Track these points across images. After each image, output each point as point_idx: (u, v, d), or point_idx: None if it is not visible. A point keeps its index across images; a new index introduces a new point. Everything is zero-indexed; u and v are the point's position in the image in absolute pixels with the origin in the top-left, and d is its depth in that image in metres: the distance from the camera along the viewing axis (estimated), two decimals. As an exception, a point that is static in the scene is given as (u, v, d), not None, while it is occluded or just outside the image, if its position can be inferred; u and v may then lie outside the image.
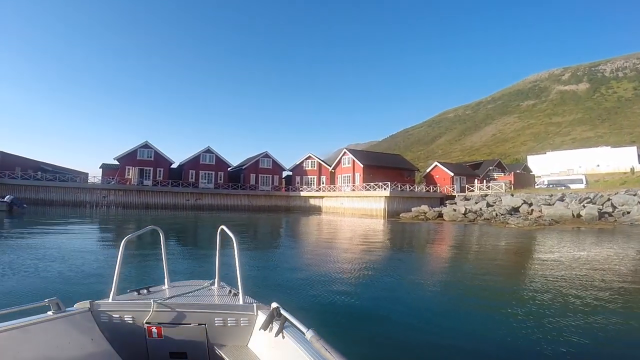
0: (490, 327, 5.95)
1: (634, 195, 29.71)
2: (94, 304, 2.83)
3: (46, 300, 2.57)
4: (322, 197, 49.54)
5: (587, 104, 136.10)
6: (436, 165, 51.97)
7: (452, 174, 48.70)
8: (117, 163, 47.40)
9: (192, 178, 50.27)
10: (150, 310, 2.79)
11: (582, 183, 44.23)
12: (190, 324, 2.83)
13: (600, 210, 28.14)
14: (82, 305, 2.80)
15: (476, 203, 35.03)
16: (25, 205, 31.19)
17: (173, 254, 12.36)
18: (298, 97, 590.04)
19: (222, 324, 2.84)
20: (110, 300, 2.90)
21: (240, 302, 2.95)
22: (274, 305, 2.57)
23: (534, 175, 54.51)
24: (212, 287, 3.44)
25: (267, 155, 56.20)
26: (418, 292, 8.40)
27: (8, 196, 30.95)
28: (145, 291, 3.19)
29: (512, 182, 44.64)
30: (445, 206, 36.34)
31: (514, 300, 7.51)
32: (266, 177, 55.37)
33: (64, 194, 41.63)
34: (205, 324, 2.83)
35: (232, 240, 2.99)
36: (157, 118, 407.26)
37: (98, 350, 2.68)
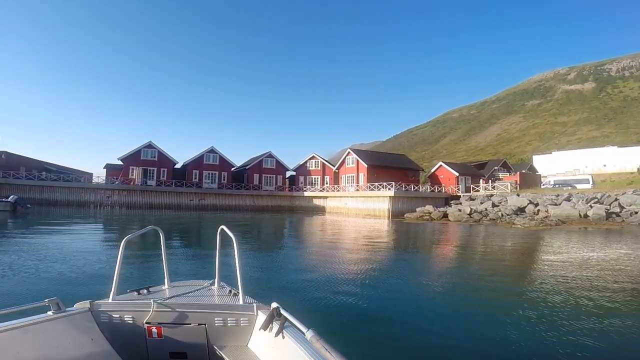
0: (499, 330, 5.74)
1: (642, 195, 29.29)
2: (94, 304, 2.83)
3: (46, 300, 2.56)
4: (325, 197, 49.33)
5: (593, 103, 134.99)
6: (441, 165, 51.67)
7: (457, 174, 48.40)
8: (121, 163, 47.40)
9: (195, 178, 50.23)
10: (150, 310, 2.78)
11: (589, 183, 43.81)
12: (190, 324, 2.83)
13: (608, 210, 27.82)
14: (82, 305, 2.80)
15: (481, 203, 34.71)
16: (29, 206, 31.19)
17: (177, 255, 12.33)
18: (302, 97, 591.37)
19: (222, 324, 2.83)
20: (110, 300, 2.90)
21: (240, 302, 2.94)
22: (274, 305, 2.56)
23: (539, 175, 54.03)
24: (212, 287, 3.44)
25: (270, 155, 56.05)
26: (423, 293, 8.22)
27: (12, 196, 31.00)
28: (145, 291, 3.19)
29: (518, 182, 44.21)
30: (450, 206, 36.04)
31: (524, 302, 7.28)
32: (270, 177, 55.20)
33: (68, 194, 41.69)
34: (205, 324, 2.82)
35: (232, 240, 2.97)
36: (160, 118, 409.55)
37: (98, 350, 2.68)
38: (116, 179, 45.52)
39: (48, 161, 57.88)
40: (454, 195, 43.07)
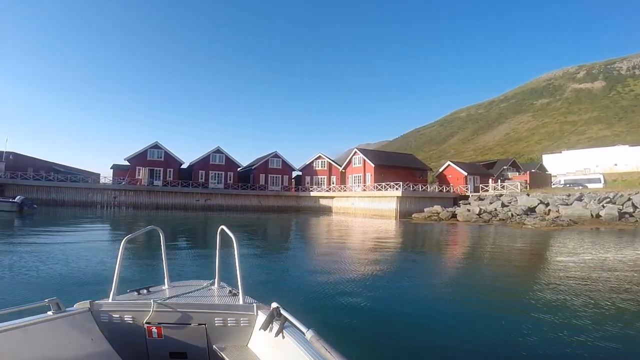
0: (512, 333, 5.45)
1: (656, 195, 28.61)
2: (94, 304, 2.83)
3: (46, 300, 2.56)
4: (332, 197, 48.99)
5: (603, 102, 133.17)
6: (449, 165, 51.03)
7: (465, 174, 47.73)
8: (128, 164, 47.50)
9: (202, 178, 50.14)
10: (150, 310, 2.78)
11: (600, 182, 43.13)
12: (190, 324, 2.83)
13: (621, 210, 27.24)
14: (82, 305, 2.80)
15: (491, 203, 34.16)
16: (35, 206, 31.29)
17: (182, 256, 12.35)
18: (307, 97, 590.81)
19: (222, 324, 2.83)
20: (110, 300, 2.90)
21: (240, 302, 2.94)
22: (274, 305, 2.55)
23: (550, 174, 53.23)
24: (212, 287, 3.43)
25: (276, 155, 55.83)
26: (432, 295, 7.94)
27: (18, 197, 31.16)
28: (145, 291, 3.19)
29: (528, 182, 43.52)
30: (459, 206, 35.51)
31: (542, 305, 6.93)
32: (276, 177, 54.97)
33: (75, 194, 41.77)
34: (205, 324, 2.82)
35: (232, 240, 2.96)
36: (167, 118, 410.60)
37: (98, 350, 2.69)
38: (123, 179, 45.57)
39: (56, 162, 58.19)
40: (463, 195, 42.50)
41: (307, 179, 56.48)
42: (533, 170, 52.86)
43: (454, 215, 32.58)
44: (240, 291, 2.98)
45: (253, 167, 54.77)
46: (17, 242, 14.41)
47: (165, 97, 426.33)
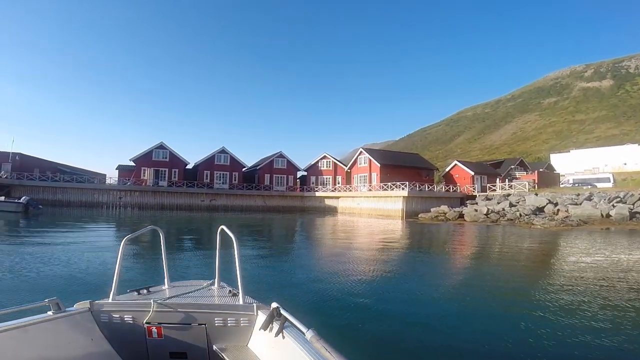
0: (530, 337, 5.19)
1: (668, 194, 28.08)
2: (94, 304, 2.83)
3: (46, 300, 2.56)
4: (337, 197, 48.75)
5: (611, 100, 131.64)
6: (456, 164, 50.48)
7: (472, 173, 47.21)
8: (133, 164, 47.56)
9: (207, 179, 50.07)
10: (150, 310, 2.77)
11: (610, 182, 42.56)
12: (190, 324, 2.83)
13: (631, 210, 26.72)
14: (82, 305, 2.79)
15: (498, 203, 33.71)
16: (40, 207, 31.36)
17: (186, 256, 12.18)
18: (312, 97, 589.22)
19: (222, 324, 2.83)
20: (110, 300, 2.90)
21: (240, 302, 2.93)
22: (274, 305, 2.55)
23: (558, 174, 52.59)
24: (212, 287, 3.43)
25: (281, 156, 55.67)
26: (439, 297, 7.71)
27: (24, 197, 31.27)
28: (145, 291, 3.19)
29: (536, 181, 42.95)
30: (466, 206, 35.10)
31: (558, 307, 6.66)
32: (281, 177, 54.78)
33: (81, 195, 41.88)
34: (205, 324, 2.82)
35: (232, 240, 2.94)
36: (172, 118, 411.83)
37: (98, 350, 2.68)
38: (128, 179, 45.66)
39: (62, 162, 58.44)
40: (470, 195, 42.01)
41: (312, 179, 56.24)
42: (541, 170, 52.20)
43: (461, 215, 32.18)
44: (240, 291, 2.97)
45: (258, 167, 54.66)
46: (21, 242, 14.40)
47: (170, 98, 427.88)
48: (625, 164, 62.86)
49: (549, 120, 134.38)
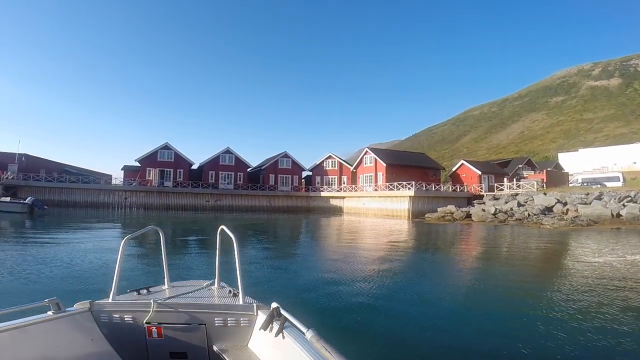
0: (543, 343, 4.88)
1: (680, 193, 27.52)
2: (94, 304, 2.82)
3: (46, 300, 2.55)
4: (343, 197, 48.45)
5: (619, 99, 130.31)
6: (462, 164, 49.95)
7: (479, 173, 46.66)
8: (139, 165, 47.61)
9: (211, 179, 50.03)
10: (150, 310, 2.77)
11: (619, 181, 41.86)
12: (190, 324, 2.82)
13: (643, 209, 26.13)
14: (82, 305, 2.79)
15: (506, 203, 33.22)
16: (45, 207, 31.43)
17: (190, 257, 12.06)
18: (317, 97, 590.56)
19: (222, 324, 2.82)
20: (110, 300, 2.89)
21: (240, 302, 2.92)
22: (274, 305, 2.54)
23: (567, 173, 51.92)
24: (212, 287, 3.42)
25: (286, 156, 55.48)
26: (446, 298, 7.44)
27: (29, 198, 31.43)
28: (145, 291, 3.17)
29: (545, 181, 42.39)
30: (473, 206, 34.62)
31: (574, 309, 6.33)
32: (285, 177, 54.62)
33: (86, 195, 41.96)
34: (205, 324, 2.81)
35: (232, 240, 2.93)
36: (176, 119, 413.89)
37: (98, 350, 2.68)
38: (133, 180, 45.70)
39: (68, 163, 58.69)
40: (477, 194, 41.49)
41: (318, 179, 55.97)
42: (549, 169, 51.51)
43: (468, 215, 31.73)
44: (240, 291, 2.95)
45: (263, 168, 54.49)
46: (25, 243, 14.42)
47: (175, 98, 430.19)
48: (634, 162, 61.98)
49: (556, 119, 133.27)
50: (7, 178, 39.76)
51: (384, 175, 45.58)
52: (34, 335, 2.40)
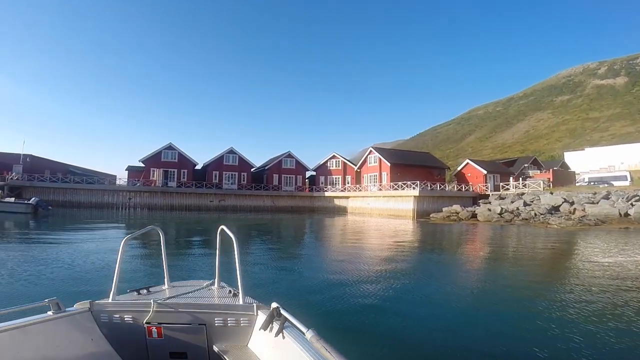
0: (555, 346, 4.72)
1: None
2: (94, 304, 2.83)
3: (46, 300, 2.55)
4: (347, 197, 48.24)
5: (626, 98, 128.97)
6: (468, 163, 49.54)
7: (485, 172, 46.22)
8: (143, 165, 47.61)
9: (215, 179, 49.98)
10: (150, 310, 2.77)
11: (627, 180, 41.45)
12: (190, 324, 2.82)
13: (651, 208, 25.77)
14: (82, 305, 2.79)
15: (512, 202, 32.87)
16: (50, 208, 31.46)
17: (193, 257, 11.96)
18: (321, 97, 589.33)
19: (222, 324, 2.82)
20: (110, 300, 2.89)
21: (240, 302, 2.92)
22: (274, 305, 2.53)
23: (573, 172, 51.45)
24: (212, 287, 3.42)
25: (290, 156, 55.35)
26: (452, 299, 7.21)
27: (33, 198, 31.47)
28: (145, 291, 3.17)
29: (551, 180, 41.96)
30: (479, 206, 34.31)
31: (589, 313, 6.08)
32: (289, 177, 54.47)
33: (91, 196, 41.99)
34: (205, 324, 2.81)
35: (232, 240, 2.92)
36: (180, 119, 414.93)
37: (98, 350, 2.68)
38: (137, 180, 45.66)
39: (73, 164, 58.89)
40: (483, 194, 41.12)
41: (322, 179, 55.82)
42: (556, 168, 50.99)
43: (474, 215, 31.40)
44: (240, 291, 2.95)
45: (266, 168, 54.42)
46: (28, 243, 14.44)
47: (178, 98, 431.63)
48: (642, 161, 61.38)
49: (562, 118, 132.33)
50: (11, 179, 39.86)
51: (389, 174, 45.32)
52: (34, 335, 2.40)
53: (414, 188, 37.28)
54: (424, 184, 39.03)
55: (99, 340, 2.73)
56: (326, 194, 50.63)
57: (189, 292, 3.18)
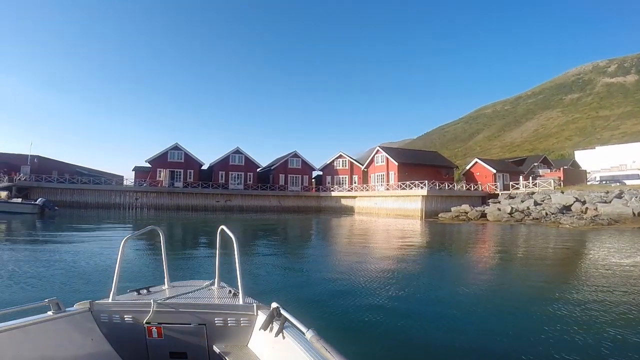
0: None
1: None
2: (94, 304, 2.82)
3: (46, 300, 2.54)
4: (354, 197, 47.87)
5: (636, 96, 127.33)
6: (477, 162, 48.90)
7: (494, 171, 45.56)
8: (149, 165, 47.66)
9: (222, 179, 49.87)
10: (150, 310, 2.75)
11: (639, 178, 40.64)
12: (190, 324, 2.81)
13: (665, 207, 25.20)
14: (82, 305, 2.78)
15: (522, 202, 32.27)
16: (56, 208, 31.55)
17: (197, 257, 11.90)
18: (328, 97, 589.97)
19: (222, 324, 2.82)
20: (110, 300, 2.88)
21: (240, 302, 2.91)
22: (274, 305, 2.52)
23: (585, 171, 50.66)
24: (212, 287, 3.41)
25: (296, 155, 55.09)
26: (471, 302, 6.86)
27: (40, 199, 31.56)
28: (145, 291, 3.17)
29: (562, 179, 41.28)
30: (488, 205, 33.77)
31: (616, 318, 5.70)
32: (295, 177, 54.24)
33: (97, 196, 42.12)
34: (205, 324, 2.81)
35: (232, 240, 2.91)
36: (186, 119, 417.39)
37: (98, 350, 2.68)
38: (144, 181, 45.72)
39: (80, 165, 59.26)
40: (492, 193, 40.56)
41: (328, 178, 55.46)
42: (566, 167, 50.23)
43: (483, 215, 30.88)
44: (240, 291, 2.94)
45: (272, 168, 54.22)
46: (33, 243, 14.48)
47: (184, 98, 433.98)
48: (654, 160, 60.33)
49: (571, 117, 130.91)
50: (19, 179, 40.08)
51: (396, 174, 44.86)
52: (34, 335, 2.40)
53: (422, 187, 36.84)
54: (432, 183, 38.58)
55: (99, 340, 2.73)
56: (333, 194, 50.30)
57: (189, 292, 3.17)
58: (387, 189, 43.79)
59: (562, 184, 39.72)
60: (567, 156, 77.29)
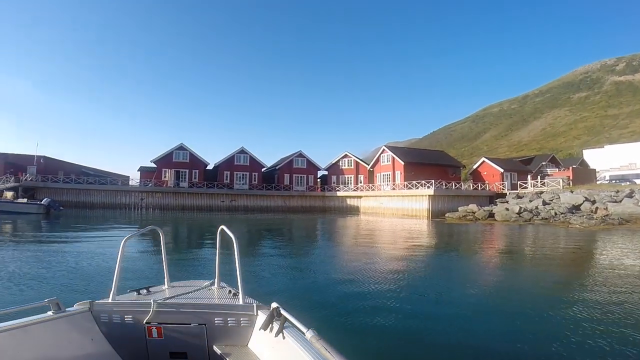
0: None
1: None
2: (94, 304, 2.82)
3: (46, 300, 2.54)
4: (360, 197, 47.56)
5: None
6: (484, 161, 48.37)
7: (501, 170, 45.03)
8: (154, 165, 47.72)
9: (227, 179, 49.85)
10: (150, 310, 2.75)
11: (649, 178, 40.05)
12: (190, 324, 2.81)
13: (677, 207, 24.71)
14: (82, 305, 2.78)
15: (531, 201, 31.82)
16: (61, 208, 31.68)
17: (200, 257, 11.84)
18: (333, 96, 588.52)
19: (222, 324, 2.81)
20: (110, 300, 2.89)
21: (240, 302, 2.91)
22: (274, 305, 2.51)
23: (594, 170, 50.00)
24: (212, 287, 3.42)
25: (301, 155, 54.88)
26: (481, 304, 6.64)
27: (45, 199, 31.67)
28: (145, 291, 3.17)
29: (571, 178, 40.71)
30: (496, 205, 33.32)
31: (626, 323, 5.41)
32: (300, 177, 53.99)
33: (103, 196, 42.21)
34: (205, 324, 2.80)
35: (232, 240, 2.91)
36: (191, 119, 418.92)
37: (98, 350, 2.68)
38: (149, 181, 45.77)
39: (86, 165, 59.45)
40: (499, 193, 40.06)
41: (333, 178, 55.11)
42: (575, 166, 49.59)
43: (491, 215, 30.45)
44: (240, 291, 2.95)
45: (277, 167, 54.05)
46: (37, 243, 14.52)
47: (190, 98, 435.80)
48: (664, 159, 59.48)
49: (580, 116, 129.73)
50: (25, 180, 40.23)
51: (402, 173, 44.49)
52: (34, 335, 2.39)
53: (428, 187, 36.44)
54: (438, 183, 38.20)
55: (99, 340, 2.73)
56: (338, 193, 49.98)
57: (189, 292, 3.18)
58: (393, 189, 43.46)
59: (571, 183, 39.21)
60: (576, 155, 76.59)
